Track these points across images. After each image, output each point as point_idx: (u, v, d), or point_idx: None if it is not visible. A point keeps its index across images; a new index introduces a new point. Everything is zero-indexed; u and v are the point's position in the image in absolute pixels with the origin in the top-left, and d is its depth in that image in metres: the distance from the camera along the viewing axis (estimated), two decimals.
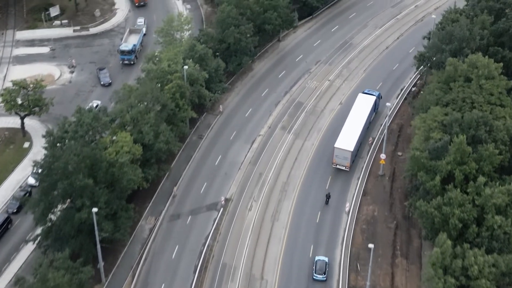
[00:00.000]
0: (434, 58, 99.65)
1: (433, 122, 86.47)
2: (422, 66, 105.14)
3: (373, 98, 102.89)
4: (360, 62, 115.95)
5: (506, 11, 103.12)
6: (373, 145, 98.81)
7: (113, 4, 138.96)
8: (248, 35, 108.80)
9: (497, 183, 76.28)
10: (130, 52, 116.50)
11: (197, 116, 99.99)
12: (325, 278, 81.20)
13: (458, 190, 75.20)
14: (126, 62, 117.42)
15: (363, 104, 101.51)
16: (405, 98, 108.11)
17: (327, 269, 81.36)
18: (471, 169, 78.22)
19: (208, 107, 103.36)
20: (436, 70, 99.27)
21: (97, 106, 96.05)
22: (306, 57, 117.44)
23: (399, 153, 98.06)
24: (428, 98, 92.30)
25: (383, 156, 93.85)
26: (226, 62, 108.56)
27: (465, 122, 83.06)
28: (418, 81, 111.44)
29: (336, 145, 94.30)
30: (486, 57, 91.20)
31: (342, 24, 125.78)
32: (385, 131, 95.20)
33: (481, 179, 76.19)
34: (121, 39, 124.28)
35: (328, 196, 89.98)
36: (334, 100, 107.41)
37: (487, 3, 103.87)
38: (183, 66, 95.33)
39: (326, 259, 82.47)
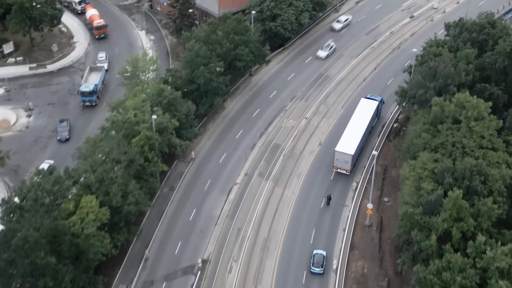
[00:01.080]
0: (418, 96, 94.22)
1: (423, 171, 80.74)
2: (404, 103, 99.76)
3: (376, 103, 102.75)
4: (338, 97, 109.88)
5: (490, 42, 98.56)
6: (357, 191, 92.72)
7: (72, 37, 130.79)
8: (220, 74, 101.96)
9: (499, 242, 70.79)
10: (91, 93, 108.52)
11: (168, 167, 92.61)
12: (322, 271, 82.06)
13: (458, 254, 69.43)
14: (88, 103, 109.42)
15: (365, 109, 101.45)
16: (387, 136, 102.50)
17: (325, 263, 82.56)
18: (469, 226, 72.51)
19: (179, 154, 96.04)
20: (420, 109, 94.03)
21: (49, 167, 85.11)
22: (281, 92, 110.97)
23: (386, 199, 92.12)
24: (416, 142, 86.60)
25: (370, 205, 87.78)
26: (196, 103, 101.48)
27: (458, 172, 77.49)
28: (400, 116, 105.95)
29: (337, 148, 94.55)
30: (475, 97, 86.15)
31: (315, 53, 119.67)
32: (372, 180, 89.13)
33: (481, 238, 70.48)
34: (82, 76, 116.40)
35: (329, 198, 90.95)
36: (313, 141, 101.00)
37: (470, 34, 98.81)
38: (151, 115, 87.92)
39: (324, 252, 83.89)
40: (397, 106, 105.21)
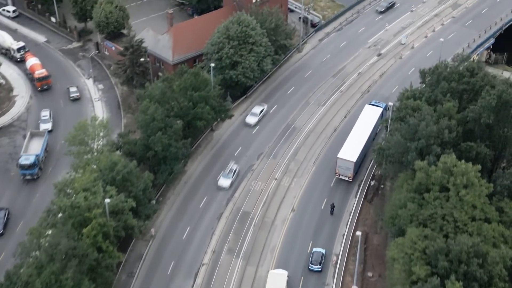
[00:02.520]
0: (397, 156, 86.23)
1: (413, 251, 72.47)
2: (383, 162, 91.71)
3: (380, 110, 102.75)
4: (308, 151, 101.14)
5: (471, 93, 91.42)
6: (337, 266, 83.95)
7: (11, 89, 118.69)
8: (179, 137, 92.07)
9: None
10: (32, 166, 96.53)
11: (123, 254, 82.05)
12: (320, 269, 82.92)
13: None
14: (29, 177, 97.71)
15: (369, 116, 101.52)
16: (365, 196, 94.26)
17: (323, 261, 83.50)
18: None
19: (138, 232, 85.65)
20: (401, 170, 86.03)
21: None
22: (246, 149, 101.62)
23: (370, 274, 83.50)
24: (401, 214, 78.43)
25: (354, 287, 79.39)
26: (154, 171, 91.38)
27: (453, 254, 69.58)
28: (377, 172, 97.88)
29: (339, 155, 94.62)
30: (462, 161, 78.46)
31: (281, 103, 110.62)
32: (357, 257, 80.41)
33: None
34: (24, 137, 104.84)
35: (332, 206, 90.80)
36: (285, 206, 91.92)
37: (449, 84, 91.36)
38: (103, 197, 77.44)
39: (323, 250, 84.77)
40: (372, 161, 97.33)
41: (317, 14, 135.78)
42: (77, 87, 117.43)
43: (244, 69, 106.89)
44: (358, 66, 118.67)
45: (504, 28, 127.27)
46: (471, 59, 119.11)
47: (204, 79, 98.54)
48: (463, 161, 78.38)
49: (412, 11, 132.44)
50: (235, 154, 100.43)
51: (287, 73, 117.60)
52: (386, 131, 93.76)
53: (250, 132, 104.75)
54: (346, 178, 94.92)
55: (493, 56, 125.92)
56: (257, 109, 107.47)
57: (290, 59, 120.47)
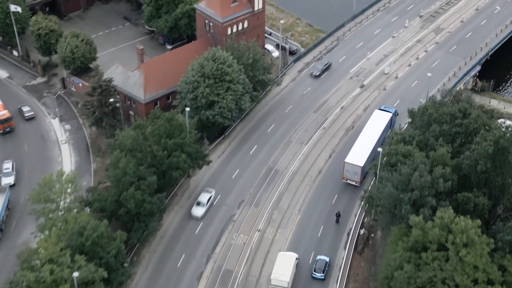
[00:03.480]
0: (389, 206, 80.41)
1: None
2: (373, 211, 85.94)
3: (389, 115, 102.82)
4: (292, 198, 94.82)
5: (464, 135, 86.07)
6: None
7: None
8: (153, 190, 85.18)
9: None
10: None
11: None
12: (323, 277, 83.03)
13: None
14: None
15: (378, 121, 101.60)
16: (355, 247, 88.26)
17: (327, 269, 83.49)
18: None
19: None
20: (394, 223, 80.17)
21: None
22: (226, 196, 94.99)
23: None
24: (397, 276, 72.49)
25: None
26: (127, 229, 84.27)
27: None
28: (365, 219, 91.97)
29: (347, 160, 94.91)
30: (461, 217, 72.73)
31: (262, 142, 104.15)
32: None
33: None
34: None
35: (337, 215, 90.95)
36: (269, 263, 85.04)
37: (440, 127, 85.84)
38: (71, 269, 70.21)
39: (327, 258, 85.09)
40: (360, 208, 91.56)
41: (296, 44, 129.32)
42: (29, 106, 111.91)
43: (221, 109, 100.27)
44: (340, 99, 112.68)
45: (490, 53, 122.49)
46: (459, 92, 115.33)
47: (179, 124, 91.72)
48: (461, 217, 72.83)
49: (393, 37, 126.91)
50: (214, 203, 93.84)
51: (266, 108, 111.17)
52: (375, 177, 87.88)
53: (230, 177, 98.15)
54: (354, 183, 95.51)
55: (480, 83, 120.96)
56: (204, 197, 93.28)
57: (269, 93, 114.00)
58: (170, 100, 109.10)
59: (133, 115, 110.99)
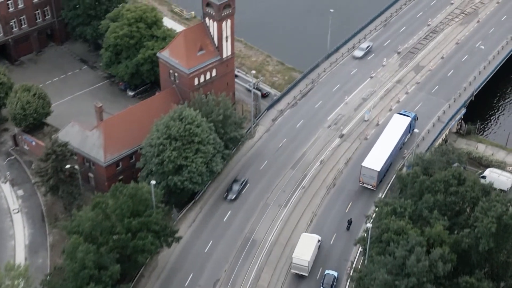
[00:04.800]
0: None
1: None
2: None
3: (408, 120, 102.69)
4: (272, 274, 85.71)
5: (461, 204, 78.33)
6: None
7: None
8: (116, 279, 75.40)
9: None
10: None
11: None
12: None
13: None
14: None
15: (397, 125, 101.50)
16: None
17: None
18: None
19: None
20: None
21: None
22: (199, 275, 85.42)
23: None
24: None
25: None
26: None
27: None
28: None
29: (364, 164, 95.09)
30: None
31: (236, 206, 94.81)
32: None
33: None
34: None
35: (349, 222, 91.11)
36: None
37: (434, 197, 77.86)
38: None
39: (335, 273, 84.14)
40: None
41: (267, 86, 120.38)
42: None
43: (191, 173, 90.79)
44: (319, 152, 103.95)
45: (474, 94, 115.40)
46: (445, 140, 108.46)
47: (144, 199, 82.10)
48: None
49: (371, 77, 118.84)
50: (186, 285, 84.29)
51: (240, 166, 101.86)
52: (365, 255, 79.51)
53: (202, 251, 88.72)
54: (370, 187, 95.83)
55: (465, 126, 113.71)
56: None
57: (242, 147, 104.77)
58: (134, 159, 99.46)
59: (93, 178, 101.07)
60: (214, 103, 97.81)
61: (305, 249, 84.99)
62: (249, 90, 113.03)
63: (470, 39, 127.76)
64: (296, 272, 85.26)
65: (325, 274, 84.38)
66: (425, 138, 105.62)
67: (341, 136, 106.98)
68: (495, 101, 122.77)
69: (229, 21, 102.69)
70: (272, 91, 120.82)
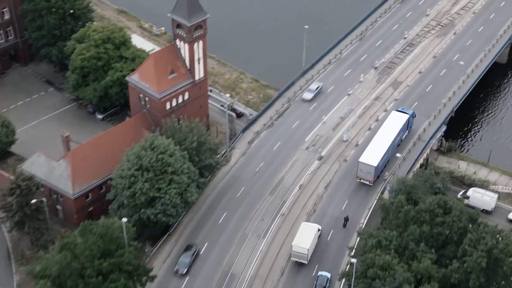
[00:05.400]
0: None
1: None
2: None
3: (406, 117, 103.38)
4: None
5: (448, 234, 75.21)
6: None
7: None
8: None
9: None
10: None
11: None
12: None
13: None
14: None
15: (395, 122, 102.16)
16: None
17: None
18: None
19: None
20: None
21: None
22: None
23: None
24: None
25: None
26: None
27: None
28: None
29: (361, 159, 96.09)
30: None
31: (213, 237, 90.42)
32: None
33: None
34: None
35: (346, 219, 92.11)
36: None
37: (420, 228, 74.58)
38: None
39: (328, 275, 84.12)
40: None
41: (241, 107, 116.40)
42: None
43: (164, 205, 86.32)
44: (298, 176, 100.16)
45: (454, 110, 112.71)
46: (427, 160, 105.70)
47: (115, 238, 77.48)
48: None
49: (349, 94, 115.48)
50: None
51: (216, 193, 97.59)
52: None
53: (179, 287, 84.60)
54: (367, 182, 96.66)
55: (446, 143, 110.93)
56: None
57: (217, 173, 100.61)
58: (104, 190, 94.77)
59: (61, 210, 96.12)
60: (188, 130, 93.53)
61: (304, 237, 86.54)
62: (224, 110, 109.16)
63: (448, 52, 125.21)
64: (296, 260, 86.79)
65: (318, 276, 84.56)
66: (406, 159, 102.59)
67: (320, 158, 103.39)
68: (475, 116, 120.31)
69: (201, 42, 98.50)
70: (247, 111, 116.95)
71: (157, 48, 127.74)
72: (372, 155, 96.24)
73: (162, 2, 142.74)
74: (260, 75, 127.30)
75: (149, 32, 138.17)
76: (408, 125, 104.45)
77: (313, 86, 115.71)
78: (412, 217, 75.73)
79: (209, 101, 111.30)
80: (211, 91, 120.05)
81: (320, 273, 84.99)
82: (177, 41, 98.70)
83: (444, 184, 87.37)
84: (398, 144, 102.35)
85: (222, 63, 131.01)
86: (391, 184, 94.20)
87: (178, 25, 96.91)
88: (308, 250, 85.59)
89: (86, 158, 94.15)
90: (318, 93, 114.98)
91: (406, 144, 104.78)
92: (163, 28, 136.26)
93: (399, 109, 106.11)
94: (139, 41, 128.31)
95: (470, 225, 75.38)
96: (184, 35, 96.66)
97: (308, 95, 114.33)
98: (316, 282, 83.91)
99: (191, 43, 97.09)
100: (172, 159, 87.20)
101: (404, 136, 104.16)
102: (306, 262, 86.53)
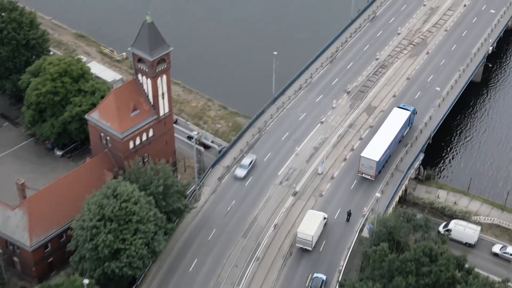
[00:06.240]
0: None
1: None
2: None
3: (407, 113, 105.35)
4: None
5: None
6: None
7: None
8: None
9: None
10: None
11: None
12: None
13: None
14: None
15: (397, 118, 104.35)
16: None
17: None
18: None
19: None
20: None
21: None
22: None
23: None
24: None
25: None
26: None
27: None
28: None
29: (363, 154, 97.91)
30: None
31: None
32: None
33: None
34: None
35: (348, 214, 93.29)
36: None
37: (406, 281, 69.64)
38: None
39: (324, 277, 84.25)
40: None
41: (210, 138, 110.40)
42: None
43: (130, 258, 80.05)
44: (272, 215, 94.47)
45: (431, 136, 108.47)
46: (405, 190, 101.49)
47: None
48: None
49: (322, 122, 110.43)
50: None
51: (185, 237, 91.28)
52: None
53: None
54: (369, 177, 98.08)
55: (424, 171, 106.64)
56: None
57: (186, 214, 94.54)
58: (65, 238, 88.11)
59: (19, 262, 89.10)
60: (153, 172, 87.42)
61: (309, 224, 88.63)
62: (190, 137, 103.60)
63: (421, 73, 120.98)
64: (301, 246, 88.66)
65: (313, 277, 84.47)
66: (385, 191, 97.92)
67: (295, 193, 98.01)
68: (453, 141, 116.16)
69: (164, 76, 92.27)
70: (216, 140, 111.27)
71: (119, 76, 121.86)
72: (374, 150, 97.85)
73: (123, 25, 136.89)
74: (229, 102, 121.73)
75: (110, 58, 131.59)
76: (409, 122, 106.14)
77: (246, 161, 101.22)
78: (396, 268, 70.87)
79: (176, 134, 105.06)
80: (176, 121, 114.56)
81: (315, 275, 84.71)
82: (139, 75, 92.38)
83: (428, 225, 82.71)
84: (399, 140, 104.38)
85: (188, 90, 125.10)
86: (370, 222, 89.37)
87: (140, 59, 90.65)
88: (312, 236, 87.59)
89: (44, 206, 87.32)
90: (252, 168, 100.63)
91: (384, 176, 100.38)
92: (124, 53, 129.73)
93: (400, 106, 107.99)
94: (99, 69, 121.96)
95: (458, 273, 70.91)
96: (147, 70, 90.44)
97: (241, 172, 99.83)
98: (311, 284, 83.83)
99: (154, 78, 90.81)
100: (137, 207, 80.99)
101: (405, 132, 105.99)
102: (310, 249, 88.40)
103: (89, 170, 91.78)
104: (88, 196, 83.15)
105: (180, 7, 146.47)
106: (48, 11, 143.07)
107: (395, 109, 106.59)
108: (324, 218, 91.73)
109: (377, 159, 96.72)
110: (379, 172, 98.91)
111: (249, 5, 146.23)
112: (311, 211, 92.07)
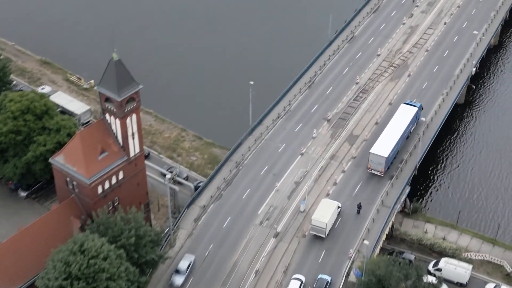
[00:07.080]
0: None
1: None
2: None
3: (415, 110, 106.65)
4: None
5: None
6: None
7: None
8: None
9: None
10: None
11: None
12: None
13: None
14: None
15: (404, 115, 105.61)
16: None
17: None
18: None
19: None
20: None
21: None
22: None
23: None
24: None
25: None
26: None
27: None
28: None
29: (372, 150, 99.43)
30: None
31: None
32: None
33: None
34: None
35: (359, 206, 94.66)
36: None
37: None
38: None
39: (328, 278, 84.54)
40: None
41: (183, 180, 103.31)
42: None
43: None
44: (253, 259, 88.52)
45: (417, 167, 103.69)
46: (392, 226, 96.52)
47: None
48: None
49: (302, 153, 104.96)
50: None
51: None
52: None
53: None
54: (378, 173, 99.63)
55: (410, 204, 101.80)
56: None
57: (162, 265, 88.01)
58: None
59: None
60: (124, 222, 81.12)
61: (324, 212, 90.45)
62: (164, 175, 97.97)
63: (404, 97, 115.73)
64: (315, 233, 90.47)
65: (317, 279, 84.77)
66: (371, 229, 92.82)
67: (276, 235, 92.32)
68: (440, 170, 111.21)
69: (134, 116, 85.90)
70: (191, 174, 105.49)
71: (87, 107, 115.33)
72: (383, 146, 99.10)
73: (91, 50, 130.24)
74: (204, 132, 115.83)
75: (77, 86, 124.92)
76: (416, 118, 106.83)
77: (183, 265, 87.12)
78: None
79: (148, 172, 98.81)
80: (149, 154, 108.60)
81: (320, 276, 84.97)
82: (107, 115, 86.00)
83: (419, 273, 77.66)
84: (407, 137, 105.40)
85: (161, 119, 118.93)
86: (358, 268, 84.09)
87: (107, 99, 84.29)
88: (326, 224, 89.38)
89: (6, 261, 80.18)
90: (191, 271, 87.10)
91: (369, 211, 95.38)
92: (92, 81, 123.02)
93: (407, 102, 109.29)
94: (65, 100, 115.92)
95: None
96: (115, 110, 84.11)
97: (178, 280, 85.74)
98: (316, 285, 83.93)
99: (123, 118, 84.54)
100: (106, 263, 74.51)
101: (412, 128, 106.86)
102: (324, 236, 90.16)
103: (55, 219, 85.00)
104: (54, 250, 76.65)
105: (153, 34, 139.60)
106: (10, 36, 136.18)
107: (402, 106, 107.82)
108: (338, 207, 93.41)
109: (386, 155, 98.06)
110: (388, 168, 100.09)
111: (223, 33, 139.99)
112: (325, 200, 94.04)
